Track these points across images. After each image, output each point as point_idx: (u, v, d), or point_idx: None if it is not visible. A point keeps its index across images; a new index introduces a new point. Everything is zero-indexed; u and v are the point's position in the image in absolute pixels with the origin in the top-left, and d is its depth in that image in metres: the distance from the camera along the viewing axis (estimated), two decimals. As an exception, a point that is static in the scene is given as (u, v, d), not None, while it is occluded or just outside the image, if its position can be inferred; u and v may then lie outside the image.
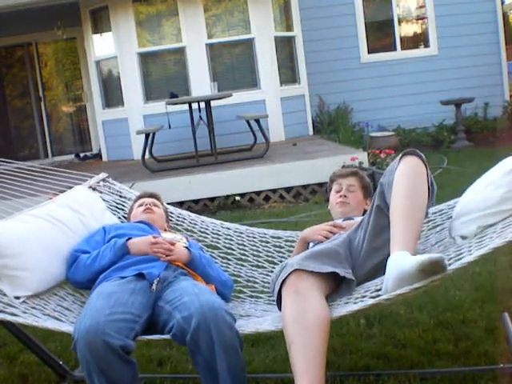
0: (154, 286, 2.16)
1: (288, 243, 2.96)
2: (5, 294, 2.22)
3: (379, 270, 2.09)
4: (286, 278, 1.93)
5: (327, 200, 2.84)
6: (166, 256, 2.33)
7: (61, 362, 2.71)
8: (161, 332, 2.06)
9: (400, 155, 2.08)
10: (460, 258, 1.80)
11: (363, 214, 2.61)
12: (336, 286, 2.04)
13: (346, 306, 1.91)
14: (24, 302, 2.23)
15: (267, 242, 2.98)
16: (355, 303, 1.89)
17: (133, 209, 2.86)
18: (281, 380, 2.48)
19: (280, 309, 1.95)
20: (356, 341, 2.78)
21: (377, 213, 2.10)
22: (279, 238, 3.00)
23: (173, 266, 2.33)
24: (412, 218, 1.95)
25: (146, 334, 2.05)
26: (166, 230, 2.77)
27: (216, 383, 1.90)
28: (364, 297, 1.89)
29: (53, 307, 2.28)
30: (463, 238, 2.07)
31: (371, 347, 2.71)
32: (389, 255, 1.93)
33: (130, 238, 2.41)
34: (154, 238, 2.38)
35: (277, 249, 2.95)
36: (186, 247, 2.46)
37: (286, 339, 1.84)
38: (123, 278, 2.21)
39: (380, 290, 1.85)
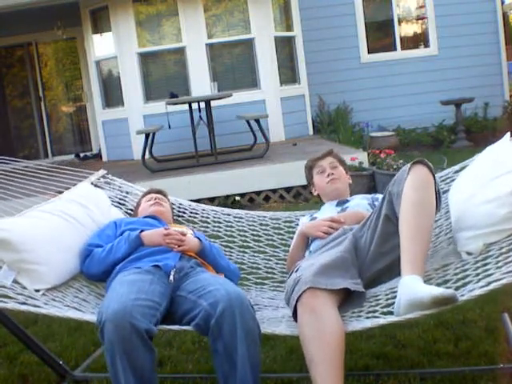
0: (171, 277, 2.20)
1: (287, 224, 3.02)
2: (25, 287, 2.25)
3: (386, 272, 2.17)
4: (300, 294, 1.98)
5: (307, 199, 2.91)
6: (179, 246, 2.38)
7: (61, 362, 2.71)
8: (179, 321, 2.10)
9: (409, 165, 2.12)
10: (467, 283, 1.89)
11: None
12: (347, 295, 2.08)
13: (360, 321, 1.97)
14: (44, 294, 2.27)
15: (267, 225, 3.04)
16: (367, 318, 1.96)
17: (140, 203, 2.88)
18: (281, 380, 2.48)
19: (295, 319, 2.01)
20: (356, 341, 2.78)
21: (385, 221, 2.15)
22: (278, 219, 3.06)
23: (186, 256, 2.38)
24: (421, 234, 2.00)
25: (163, 323, 2.07)
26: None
27: (234, 371, 1.93)
28: (375, 311, 1.97)
29: (71, 299, 2.32)
30: (469, 253, 2.11)
31: (371, 347, 2.71)
32: (397, 259, 2.00)
33: (142, 231, 2.46)
34: (166, 229, 2.44)
35: (276, 231, 3.01)
36: (197, 237, 2.51)
37: (306, 356, 1.91)
38: (140, 268, 2.25)
39: (390, 304, 1.93)
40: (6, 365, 2.92)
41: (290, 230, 2.96)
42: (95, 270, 2.45)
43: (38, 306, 2.14)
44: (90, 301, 2.37)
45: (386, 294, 2.03)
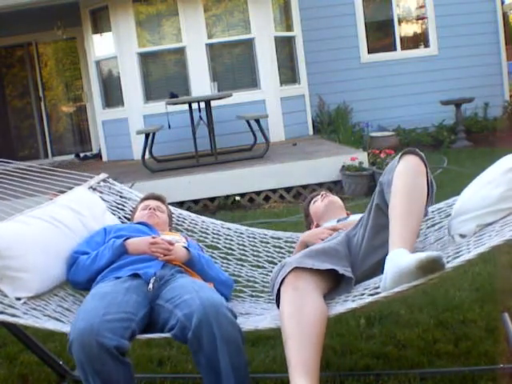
0: (150, 285, 2.15)
1: (288, 244, 2.98)
2: (6, 295, 2.22)
3: (378, 268, 2.09)
4: (285, 276, 1.94)
5: (308, 227, 2.89)
6: (165, 256, 2.33)
7: (61, 362, 2.71)
8: (161, 331, 2.06)
9: (400, 154, 2.09)
10: (458, 256, 1.81)
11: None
12: (335, 284, 2.05)
13: (345, 304, 1.91)
14: (25, 303, 2.23)
15: (267, 243, 2.99)
16: (353, 301, 1.90)
17: (137, 210, 2.86)
18: (281, 380, 2.47)
19: (279, 306, 1.96)
20: (356, 341, 2.78)
21: (376, 212, 2.11)
22: (279, 238, 3.02)
23: (169, 264, 2.33)
24: (410, 216, 1.95)
25: (146, 332, 2.04)
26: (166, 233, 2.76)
27: (219, 381, 1.89)
28: (363, 294, 1.90)
29: (53, 308, 2.28)
30: (462, 236, 2.07)
31: (371, 347, 2.71)
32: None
33: (128, 238, 2.42)
34: (153, 238, 2.39)
35: (277, 249, 2.96)
36: (185, 247, 2.46)
37: (283, 334, 1.85)
38: (119, 278, 2.22)
39: (379, 287, 1.86)
40: (5, 365, 2.92)
41: (291, 250, 2.92)
42: (80, 278, 2.41)
43: (17, 316, 2.09)
44: (74, 310, 2.32)
45: (375, 281, 1.97)
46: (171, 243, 2.38)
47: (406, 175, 2.01)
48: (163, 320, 2.05)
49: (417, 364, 2.51)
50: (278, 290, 1.97)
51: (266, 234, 3.04)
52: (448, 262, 1.76)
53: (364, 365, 2.54)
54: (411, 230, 1.93)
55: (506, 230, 1.83)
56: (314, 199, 2.89)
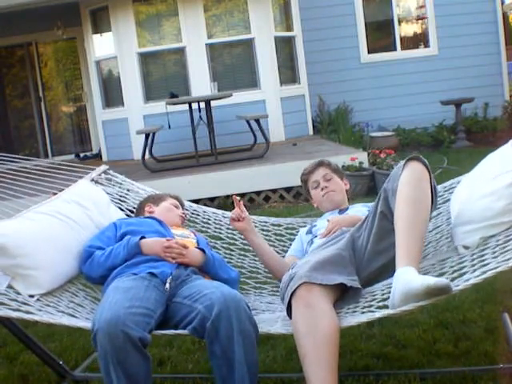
0: (167, 285, 2.18)
1: (289, 231, 3.00)
2: (19, 293, 2.23)
3: (383, 271, 2.15)
4: (295, 289, 1.96)
5: (307, 200, 2.88)
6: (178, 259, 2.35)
7: (61, 362, 2.71)
8: (175, 327, 2.09)
9: (404, 161, 2.11)
10: (463, 274, 1.87)
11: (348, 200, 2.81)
12: (343, 291, 2.07)
13: (355, 315, 1.95)
14: (38, 299, 2.25)
15: (268, 231, 3.01)
16: (363, 313, 1.94)
17: (165, 199, 2.86)
18: (281, 380, 2.48)
19: (290, 316, 2.00)
20: (356, 341, 2.78)
21: (381, 219, 2.14)
22: (280, 225, 3.04)
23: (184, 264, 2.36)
24: (416, 228, 1.99)
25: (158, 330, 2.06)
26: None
27: (231, 373, 1.92)
28: (371, 306, 1.95)
29: (66, 304, 2.30)
30: (466, 247, 2.10)
31: (371, 347, 2.71)
32: (393, 258, 1.98)
33: (143, 237, 2.42)
34: (168, 240, 2.39)
35: (278, 237, 2.98)
36: (201, 248, 2.46)
37: (299, 352, 1.89)
38: (136, 274, 2.23)
39: (386, 299, 1.90)
40: (6, 365, 2.92)
41: (292, 237, 2.94)
42: (94, 273, 2.42)
43: (32, 313, 2.11)
44: (86, 306, 2.35)
45: (382, 290, 2.01)
46: (185, 246, 2.38)
47: (410, 183, 2.04)
48: (180, 317, 2.08)
49: (417, 364, 2.51)
50: (289, 302, 1.99)
51: (266, 222, 3.05)
52: (453, 280, 1.83)
53: (364, 365, 2.54)
54: (417, 243, 1.97)
55: (508, 247, 1.88)
56: (312, 180, 2.82)
